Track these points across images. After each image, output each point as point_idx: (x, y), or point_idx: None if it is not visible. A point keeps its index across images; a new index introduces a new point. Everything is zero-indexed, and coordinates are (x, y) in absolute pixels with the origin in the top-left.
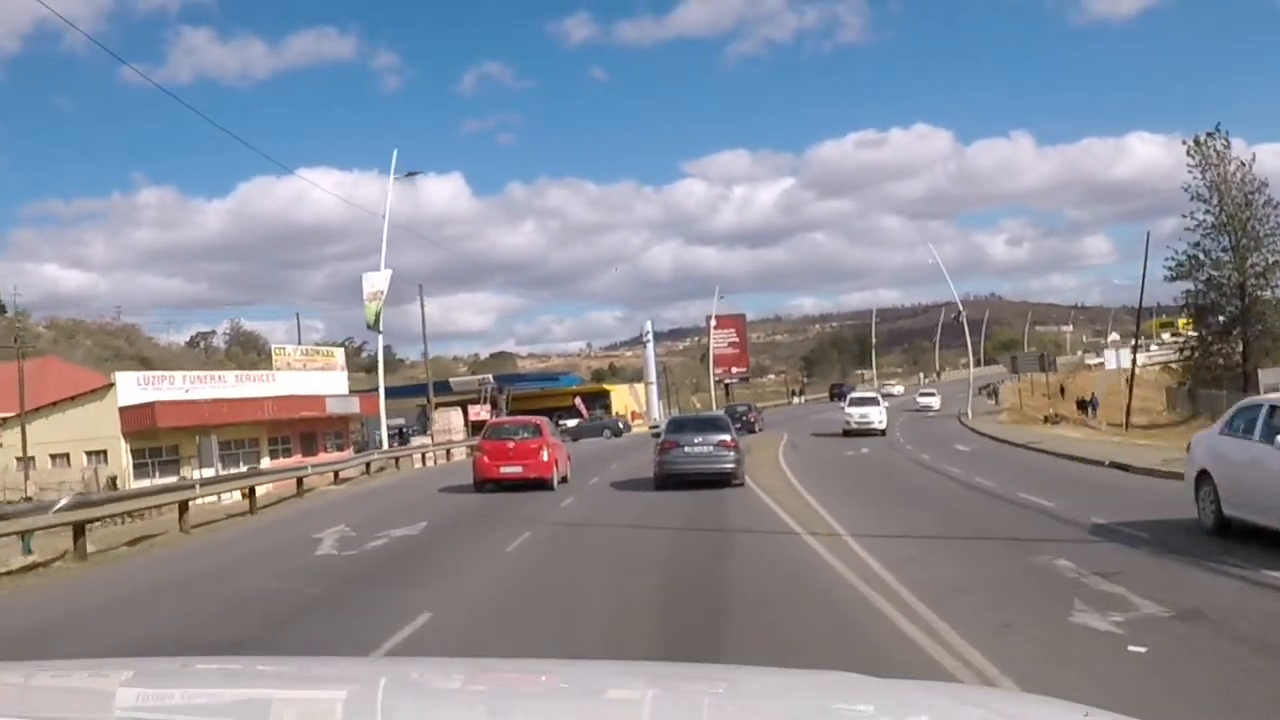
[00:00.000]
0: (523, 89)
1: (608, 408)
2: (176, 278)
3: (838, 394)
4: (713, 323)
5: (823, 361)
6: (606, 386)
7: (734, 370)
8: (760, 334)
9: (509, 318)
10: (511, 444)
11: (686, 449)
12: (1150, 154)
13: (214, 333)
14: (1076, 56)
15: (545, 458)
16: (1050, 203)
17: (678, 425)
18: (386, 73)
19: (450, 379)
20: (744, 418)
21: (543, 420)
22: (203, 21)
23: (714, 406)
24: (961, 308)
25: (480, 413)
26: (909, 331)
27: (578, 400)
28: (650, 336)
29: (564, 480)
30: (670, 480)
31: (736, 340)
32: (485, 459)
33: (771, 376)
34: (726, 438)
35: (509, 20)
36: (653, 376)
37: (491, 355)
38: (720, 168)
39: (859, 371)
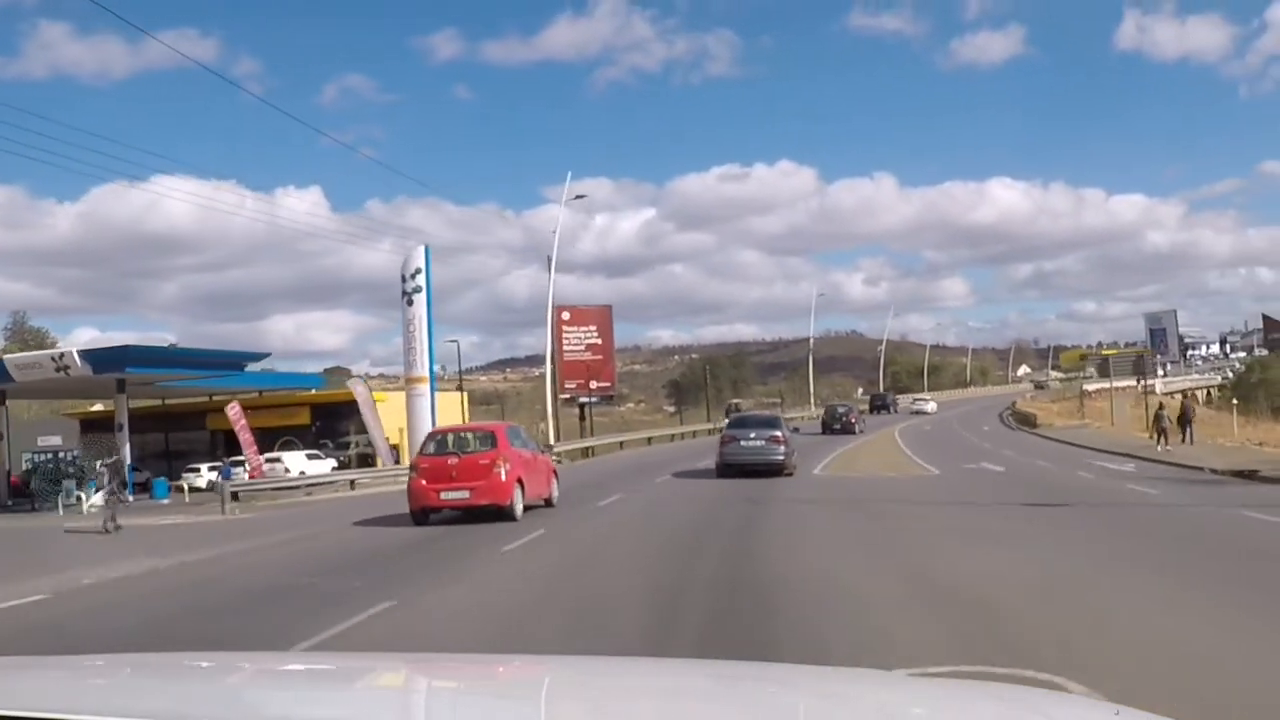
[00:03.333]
0: (385, 103)
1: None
2: (24, 281)
3: (879, 405)
4: (552, 294)
5: (691, 388)
6: (378, 395)
7: (594, 385)
8: (619, 363)
9: (364, 338)
10: (454, 460)
11: (743, 443)
12: (1011, 200)
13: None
14: (943, 100)
15: (503, 476)
16: (910, 244)
17: (737, 423)
18: (247, 79)
19: (3, 357)
20: (844, 419)
21: (499, 426)
22: (61, 16)
23: (554, 434)
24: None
25: None
26: (772, 365)
27: (232, 411)
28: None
29: (548, 504)
30: (729, 469)
31: (599, 343)
32: (422, 481)
33: (632, 405)
34: (778, 433)
35: (374, 32)
36: (422, 367)
37: (325, 370)
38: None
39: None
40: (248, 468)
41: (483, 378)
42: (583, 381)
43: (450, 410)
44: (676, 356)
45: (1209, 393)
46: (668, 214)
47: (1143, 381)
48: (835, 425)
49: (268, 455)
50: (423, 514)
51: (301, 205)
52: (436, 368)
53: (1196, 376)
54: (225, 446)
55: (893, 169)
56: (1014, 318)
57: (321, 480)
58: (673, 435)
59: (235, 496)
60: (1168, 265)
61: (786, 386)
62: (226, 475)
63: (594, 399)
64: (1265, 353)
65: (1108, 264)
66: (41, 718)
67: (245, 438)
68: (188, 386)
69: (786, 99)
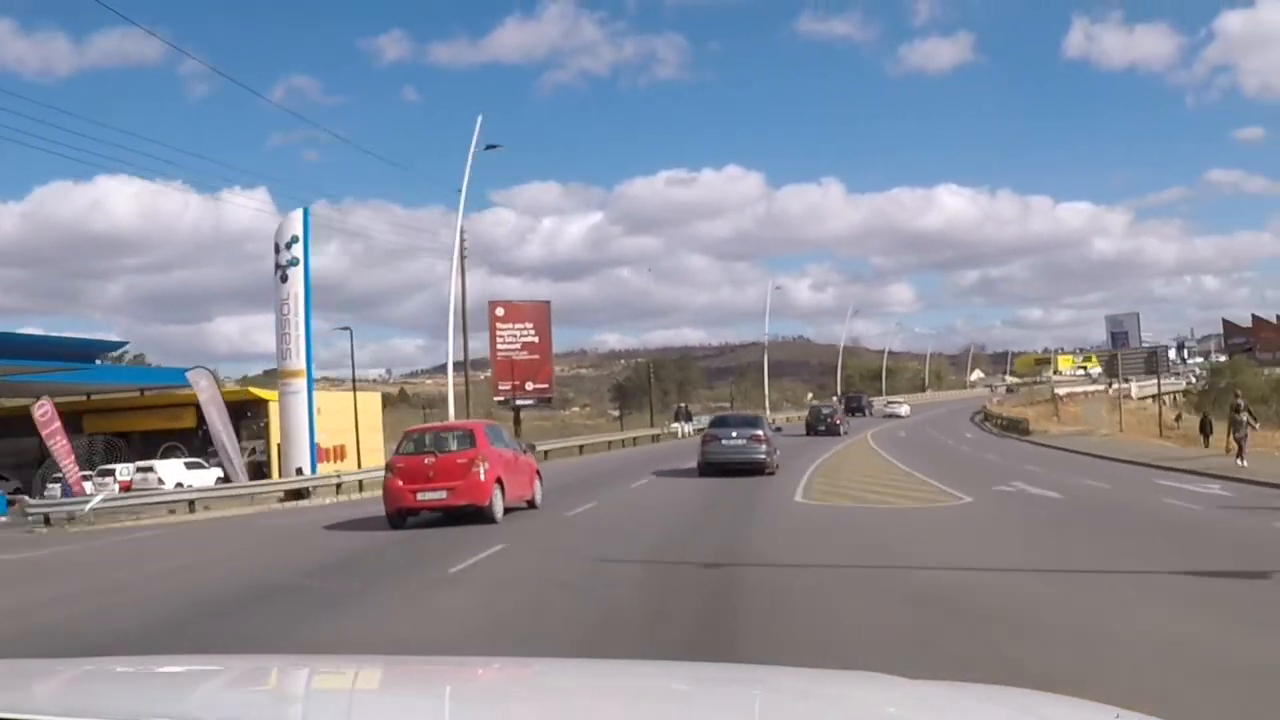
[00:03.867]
0: (332, 105)
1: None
2: None
3: (855, 408)
4: (455, 266)
5: (637, 392)
6: (260, 393)
7: (530, 386)
8: (564, 367)
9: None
10: (431, 460)
11: (724, 441)
12: (958, 206)
13: None
14: (892, 107)
15: (482, 476)
16: (857, 250)
17: (718, 422)
18: (193, 79)
19: None
20: (828, 420)
21: (478, 424)
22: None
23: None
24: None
25: None
26: (719, 370)
27: (40, 412)
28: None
29: (531, 505)
30: (710, 468)
31: (536, 341)
32: (398, 482)
33: (577, 409)
34: (759, 433)
35: (321, 33)
36: (298, 358)
37: (265, 372)
38: (529, 198)
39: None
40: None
41: (429, 381)
42: (518, 383)
43: (368, 414)
44: (623, 361)
45: (1175, 398)
46: (615, 218)
47: (1115, 385)
48: (820, 427)
49: (139, 464)
50: (399, 516)
51: (248, 206)
52: (380, 371)
53: (1168, 381)
54: (104, 453)
55: (840, 175)
56: (960, 324)
57: (182, 496)
58: (610, 442)
59: (71, 517)
60: (1114, 273)
61: (735, 390)
62: (66, 491)
63: (530, 401)
64: (1224, 358)
65: (1054, 271)
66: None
67: (58, 445)
68: (23, 381)
69: (735, 104)
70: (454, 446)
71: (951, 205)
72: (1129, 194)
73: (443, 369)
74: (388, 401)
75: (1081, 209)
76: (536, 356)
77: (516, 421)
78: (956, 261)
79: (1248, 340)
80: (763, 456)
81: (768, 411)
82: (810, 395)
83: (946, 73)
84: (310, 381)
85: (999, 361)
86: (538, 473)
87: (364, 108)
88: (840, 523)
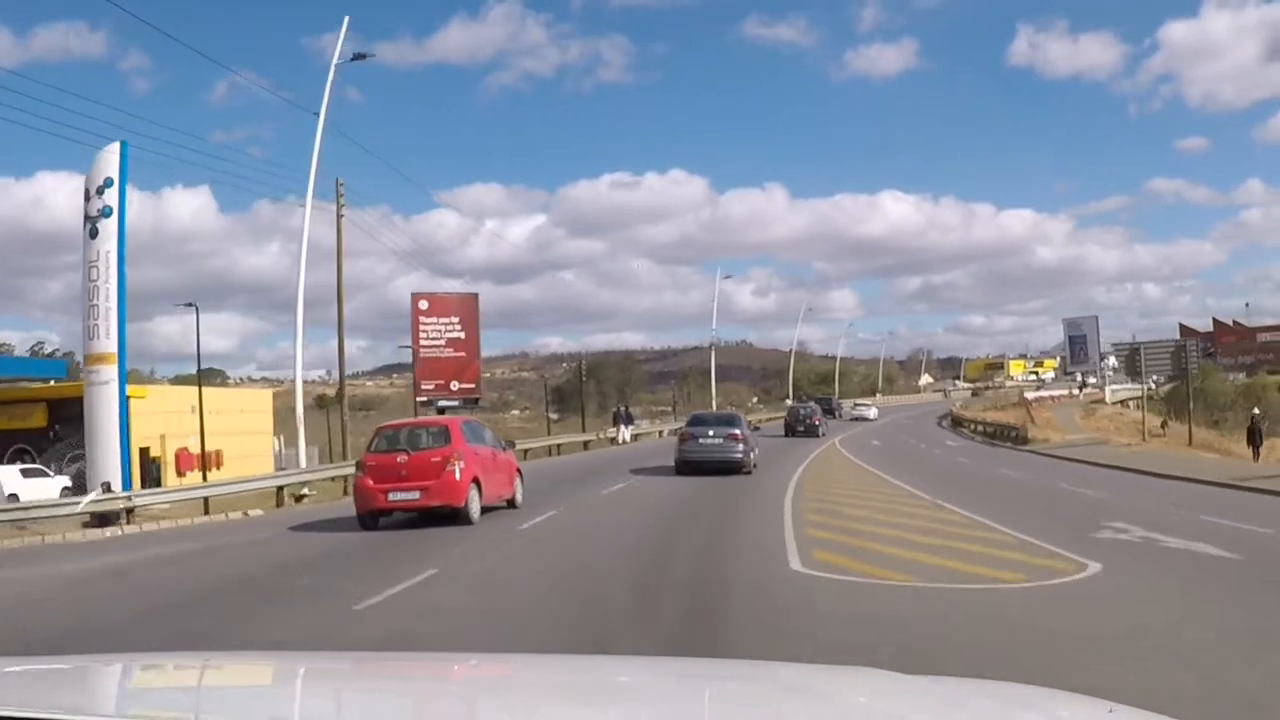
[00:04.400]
0: (277, 102)
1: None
2: None
3: (826, 410)
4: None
5: (576, 395)
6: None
7: (455, 386)
8: (506, 370)
9: (251, 341)
10: (403, 458)
11: (701, 440)
12: (901, 213)
13: None
14: (836, 112)
15: (457, 475)
16: (800, 255)
17: (695, 420)
18: (136, 75)
19: None
20: (808, 420)
21: (454, 421)
22: None
23: (303, 446)
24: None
25: None
26: (661, 374)
27: None
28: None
29: (511, 504)
30: (687, 467)
31: (462, 336)
32: (369, 481)
33: (516, 412)
34: (737, 431)
35: (264, 31)
36: (107, 339)
37: (201, 371)
38: (472, 200)
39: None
40: None
41: (369, 383)
42: (442, 382)
43: (255, 415)
44: (565, 364)
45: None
46: (559, 220)
47: (1083, 390)
48: (799, 428)
49: None
50: (370, 517)
51: (190, 204)
52: (320, 373)
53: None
54: None
55: (784, 180)
56: (903, 330)
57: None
58: (526, 451)
59: None
60: (1056, 280)
61: (677, 393)
62: None
63: (456, 402)
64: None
65: (996, 278)
66: (41, 718)
67: None
68: None
69: (679, 107)
70: (428, 444)
71: (895, 211)
72: (1071, 202)
73: (385, 370)
74: (325, 402)
75: (1024, 216)
76: (463, 354)
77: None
78: (899, 268)
79: (1207, 345)
80: (740, 456)
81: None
82: (754, 399)
83: (891, 79)
84: (123, 369)
85: (945, 367)
86: (519, 471)
87: (307, 105)
88: (897, 642)
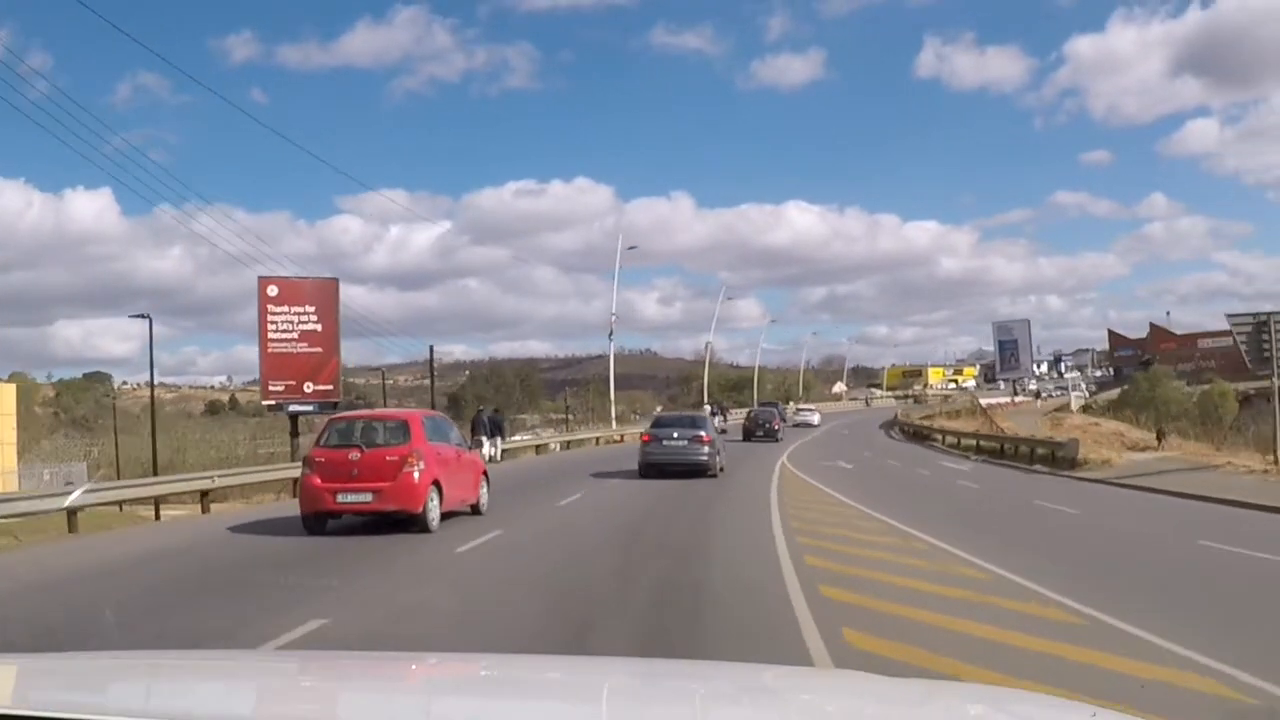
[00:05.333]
0: (178, 105)
1: None
2: None
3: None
4: None
5: (470, 402)
6: None
7: (310, 387)
8: (408, 377)
9: (155, 345)
10: (356, 455)
11: (665, 442)
12: (806, 223)
13: None
14: (743, 122)
15: (415, 477)
16: (705, 264)
17: (659, 422)
18: (35, 75)
19: None
20: (767, 425)
21: (415, 415)
22: None
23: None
24: None
25: None
26: (564, 382)
27: None
28: None
29: (475, 510)
30: (651, 469)
31: (319, 330)
32: (315, 480)
33: None
34: (702, 433)
35: (167, 31)
36: None
37: (85, 375)
38: (376, 206)
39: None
40: None
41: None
42: (294, 383)
43: None
44: (468, 372)
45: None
46: (463, 227)
47: (1038, 397)
48: (758, 432)
49: None
50: (316, 520)
51: (91, 207)
52: (222, 378)
53: (1078, 393)
54: None
55: (690, 189)
56: (808, 339)
57: None
58: None
59: None
60: (959, 291)
61: (575, 401)
62: None
63: (310, 407)
64: (1110, 372)
65: (900, 289)
66: (41, 716)
67: None
68: None
69: (586, 115)
70: (384, 440)
71: (800, 222)
72: (976, 214)
73: None
74: (216, 409)
75: (929, 228)
76: (319, 349)
77: (294, 434)
78: (804, 278)
79: (1138, 351)
80: (705, 458)
81: (614, 423)
82: (659, 407)
83: (798, 89)
84: None
85: (854, 375)
86: (484, 473)
87: (211, 108)
88: None
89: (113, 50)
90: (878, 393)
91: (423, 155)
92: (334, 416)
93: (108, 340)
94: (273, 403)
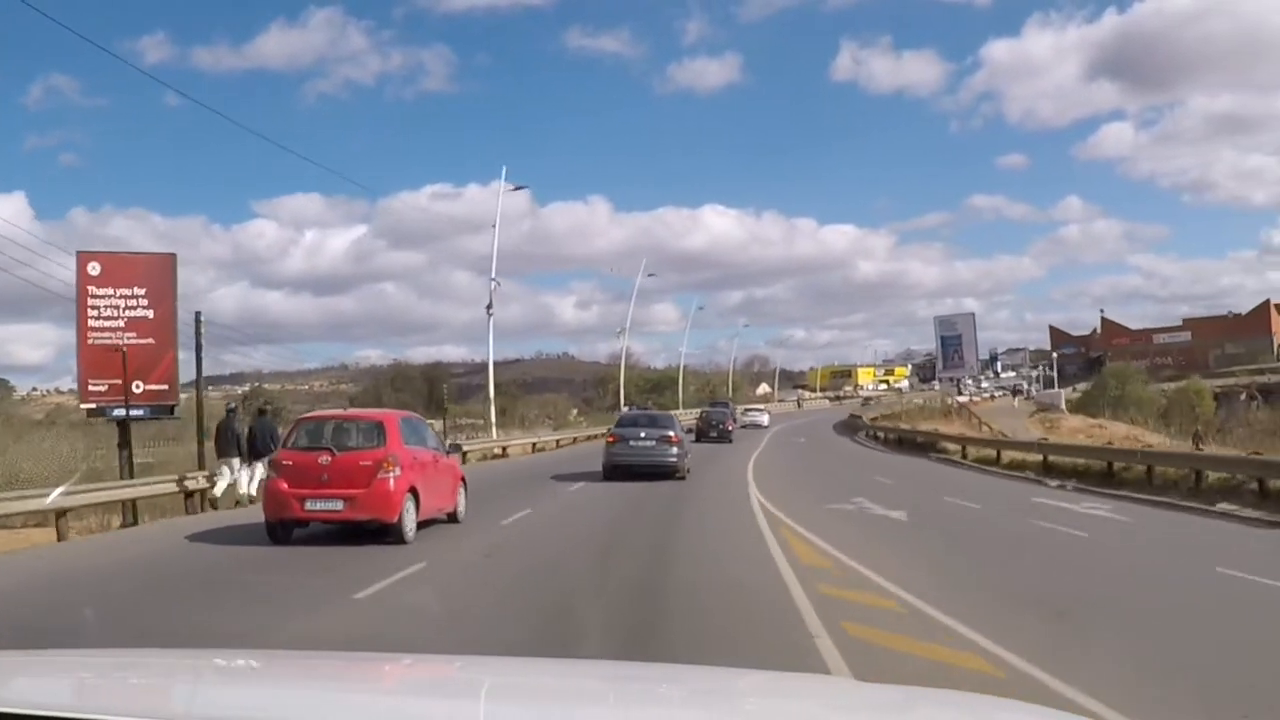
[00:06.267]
0: (92, 107)
1: None
2: None
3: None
4: None
5: (369, 405)
6: None
7: (140, 387)
8: (324, 382)
9: (67, 353)
10: (326, 458)
11: (632, 443)
12: (724, 227)
13: None
14: (660, 126)
15: (390, 484)
16: (622, 268)
17: (625, 421)
18: None
19: None
20: (720, 426)
21: (390, 415)
22: None
23: None
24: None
25: None
26: (479, 386)
27: None
28: None
29: (453, 519)
30: (616, 471)
31: (151, 316)
32: (282, 484)
33: None
34: (671, 433)
35: (82, 32)
36: None
37: None
38: (292, 210)
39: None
40: None
41: (183, 395)
42: (118, 381)
43: None
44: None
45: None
46: (379, 231)
47: (1021, 394)
48: (712, 434)
49: None
50: (282, 528)
51: (3, 211)
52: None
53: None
54: None
55: (608, 193)
56: (724, 343)
57: None
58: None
59: None
60: (876, 294)
61: (483, 406)
62: None
63: (141, 411)
64: (1053, 370)
65: (818, 292)
66: (41, 715)
67: None
68: None
69: (502, 118)
70: (357, 443)
71: (717, 226)
72: (893, 217)
73: (208, 381)
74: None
75: (846, 231)
76: (151, 340)
77: (123, 445)
78: (721, 281)
79: (1082, 349)
80: (674, 460)
81: (520, 432)
82: (575, 411)
83: (715, 93)
84: None
85: (775, 378)
86: (462, 480)
87: (124, 111)
88: None
89: (23, 50)
90: (807, 394)
91: (338, 159)
92: (303, 417)
93: (20, 347)
94: (93, 406)
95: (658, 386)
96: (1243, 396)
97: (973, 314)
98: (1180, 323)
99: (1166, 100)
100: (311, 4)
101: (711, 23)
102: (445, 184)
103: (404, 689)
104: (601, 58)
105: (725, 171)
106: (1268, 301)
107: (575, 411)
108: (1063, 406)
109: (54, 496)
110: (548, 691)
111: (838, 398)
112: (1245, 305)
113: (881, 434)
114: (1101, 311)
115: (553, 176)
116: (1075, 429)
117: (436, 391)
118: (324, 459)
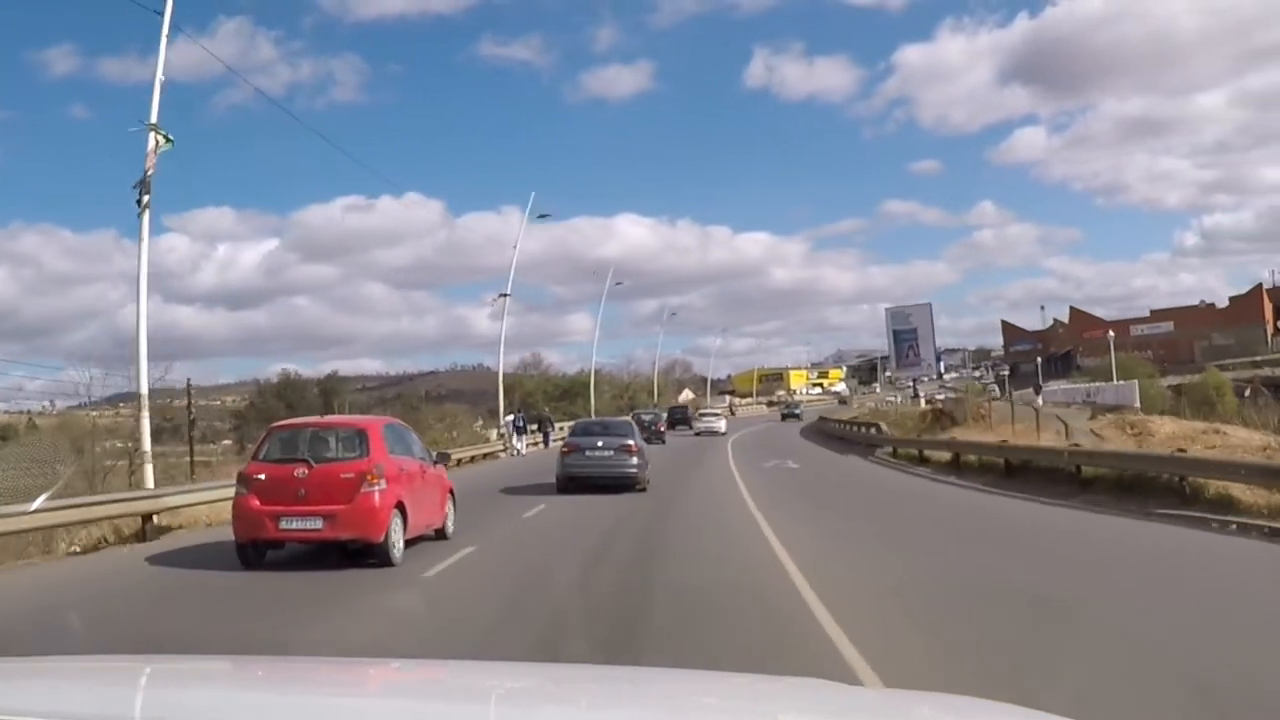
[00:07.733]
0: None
1: None
2: None
3: (678, 419)
4: None
5: (256, 419)
6: None
7: None
8: (238, 396)
9: None
10: (303, 471)
11: (589, 453)
12: (638, 235)
13: None
14: (572, 134)
15: (375, 500)
16: (536, 278)
17: (580, 430)
18: None
19: None
20: (653, 426)
21: (373, 423)
22: None
23: None
24: None
25: None
26: (395, 397)
27: None
28: None
29: (440, 535)
30: (572, 483)
31: None
32: (253, 501)
33: (227, 442)
34: (630, 442)
35: None
36: None
37: None
38: (204, 224)
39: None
40: None
41: (93, 412)
42: None
43: None
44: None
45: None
46: (292, 245)
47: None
48: (645, 436)
49: None
50: (254, 550)
51: None
52: (45, 402)
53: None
54: None
55: (521, 203)
56: (640, 352)
57: None
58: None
59: None
60: (791, 301)
61: (393, 415)
62: None
63: None
64: (1004, 368)
65: (732, 300)
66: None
67: None
68: None
69: (415, 128)
70: (337, 454)
71: (631, 234)
72: (807, 224)
73: (120, 398)
74: (7, 435)
75: (760, 239)
76: None
77: None
78: (636, 290)
79: (1038, 345)
80: (633, 470)
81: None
82: (479, 421)
83: (627, 101)
84: None
85: (696, 384)
86: (451, 492)
87: (30, 123)
88: None
89: None
90: (739, 400)
91: (249, 171)
92: (275, 425)
93: None
94: None
95: (568, 393)
96: (1247, 392)
97: (929, 304)
98: (1149, 313)
99: (1079, 104)
100: (220, 14)
101: (623, 30)
102: (358, 195)
103: (395, 693)
104: (512, 66)
105: (639, 180)
106: (1259, 286)
107: (479, 421)
108: (1137, 404)
109: None
110: (524, 694)
111: (775, 403)
112: (1159, 304)
113: (866, 448)
114: (1043, 307)
115: (466, 186)
116: (1170, 435)
117: (331, 405)
118: (300, 472)
